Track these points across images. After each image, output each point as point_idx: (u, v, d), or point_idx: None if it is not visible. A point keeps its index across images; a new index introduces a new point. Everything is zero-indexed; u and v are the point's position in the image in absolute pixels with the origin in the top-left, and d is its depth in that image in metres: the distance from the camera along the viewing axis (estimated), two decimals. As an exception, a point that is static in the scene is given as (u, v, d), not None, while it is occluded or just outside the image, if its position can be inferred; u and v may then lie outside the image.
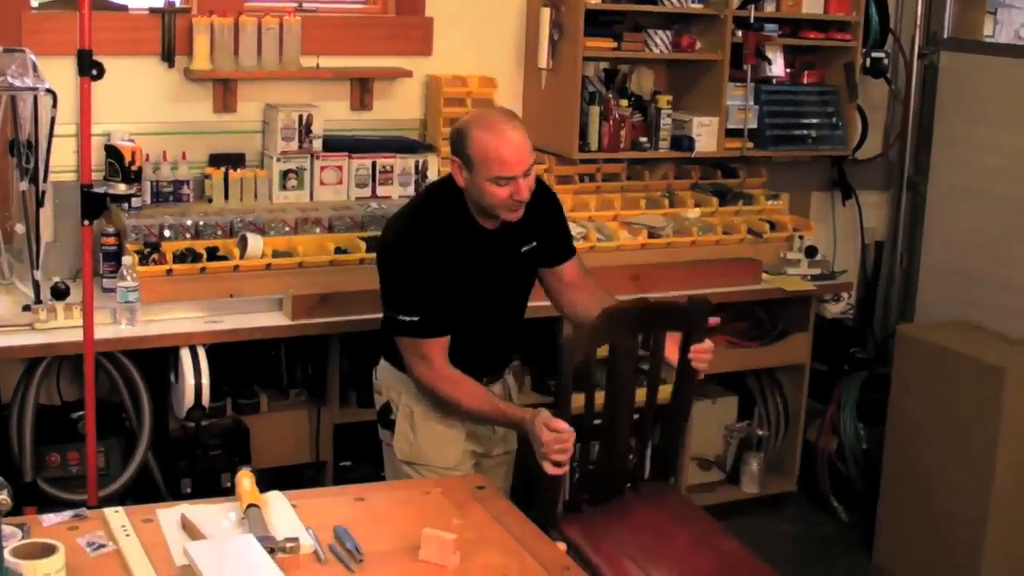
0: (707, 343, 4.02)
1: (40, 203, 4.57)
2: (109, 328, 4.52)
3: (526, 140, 3.78)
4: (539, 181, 4.09)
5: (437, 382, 3.88)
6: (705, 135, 5.81)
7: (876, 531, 5.65)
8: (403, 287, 3.87)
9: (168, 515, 3.16)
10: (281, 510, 3.19)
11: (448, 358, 3.91)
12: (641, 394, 4.15)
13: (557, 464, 3.67)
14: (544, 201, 4.08)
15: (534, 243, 4.04)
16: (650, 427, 4.16)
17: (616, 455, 4.04)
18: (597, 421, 4.04)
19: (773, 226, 5.93)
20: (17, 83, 4.40)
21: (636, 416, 4.15)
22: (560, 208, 4.23)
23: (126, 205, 4.90)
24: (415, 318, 3.83)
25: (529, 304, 4.24)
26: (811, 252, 5.87)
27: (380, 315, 4.16)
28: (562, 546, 3.17)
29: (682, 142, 5.79)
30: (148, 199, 5.04)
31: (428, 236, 3.84)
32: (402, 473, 4.06)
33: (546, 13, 5.60)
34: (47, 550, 2.78)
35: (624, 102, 5.70)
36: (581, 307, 4.18)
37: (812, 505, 6.16)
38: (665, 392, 4.19)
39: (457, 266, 3.86)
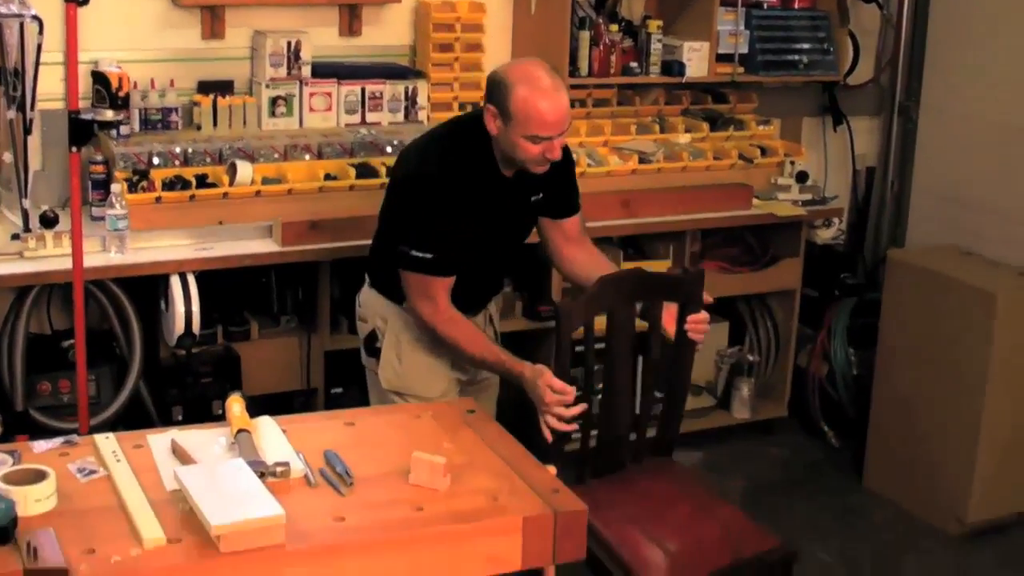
0: (702, 313, 4.01)
1: (28, 131, 4.53)
2: (98, 256, 4.51)
3: (567, 102, 3.77)
4: None
5: (441, 323, 3.88)
6: (696, 60, 5.77)
7: (866, 455, 5.68)
8: (420, 223, 3.83)
9: (159, 441, 3.16)
10: (271, 435, 3.19)
11: (452, 302, 3.92)
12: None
13: (567, 421, 3.71)
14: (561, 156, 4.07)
15: (541, 194, 4.03)
16: (651, 399, 4.13)
17: (617, 426, 4.03)
18: (598, 396, 4.05)
19: (764, 151, 5.91)
20: (3, 10, 4.35)
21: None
22: (573, 165, 4.25)
23: (114, 133, 4.88)
24: (428, 255, 3.80)
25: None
26: (802, 178, 5.86)
27: (369, 242, 4.16)
28: (552, 469, 3.17)
29: (672, 67, 5.76)
30: (136, 127, 5.01)
31: (451, 175, 3.82)
32: (387, 401, 4.06)
33: (535, -63, 5.57)
34: (38, 476, 2.79)
35: (614, 27, 5.66)
36: (578, 265, 4.19)
37: (803, 430, 6.19)
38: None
39: (472, 208, 3.84)
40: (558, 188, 4.09)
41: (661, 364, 4.09)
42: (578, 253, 4.21)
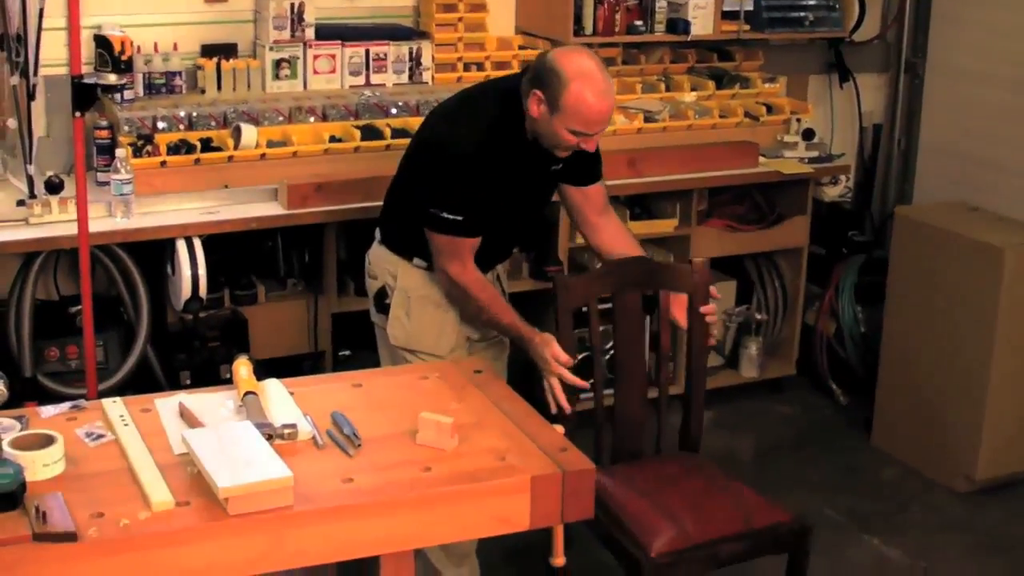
0: (711, 305, 4.05)
1: (31, 97, 4.54)
2: (104, 221, 4.51)
3: (614, 100, 3.81)
4: None
5: (470, 282, 3.91)
6: (701, 18, 5.75)
7: (875, 413, 5.68)
8: (453, 187, 3.83)
9: (166, 404, 3.16)
10: (279, 397, 3.19)
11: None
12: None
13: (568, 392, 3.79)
14: None
15: (561, 164, 4.00)
16: (664, 394, 4.12)
17: (631, 412, 4.03)
18: (608, 391, 4.04)
19: (770, 109, 5.89)
20: (4, -25, 4.36)
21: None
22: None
23: (118, 98, 4.87)
24: (459, 217, 3.81)
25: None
26: (808, 135, 5.84)
27: (376, 203, 4.15)
28: (560, 429, 3.17)
29: (678, 25, 5.73)
30: (140, 91, 5.00)
31: (483, 141, 3.81)
32: (398, 357, 4.07)
33: None
34: (46, 441, 2.80)
35: (619, -15, 5.65)
36: (606, 234, 4.21)
37: (811, 388, 6.19)
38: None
39: (500, 174, 3.84)
40: (582, 155, 4.04)
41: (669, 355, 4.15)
42: (606, 225, 4.22)
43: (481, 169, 3.80)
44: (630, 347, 4.05)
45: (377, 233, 4.14)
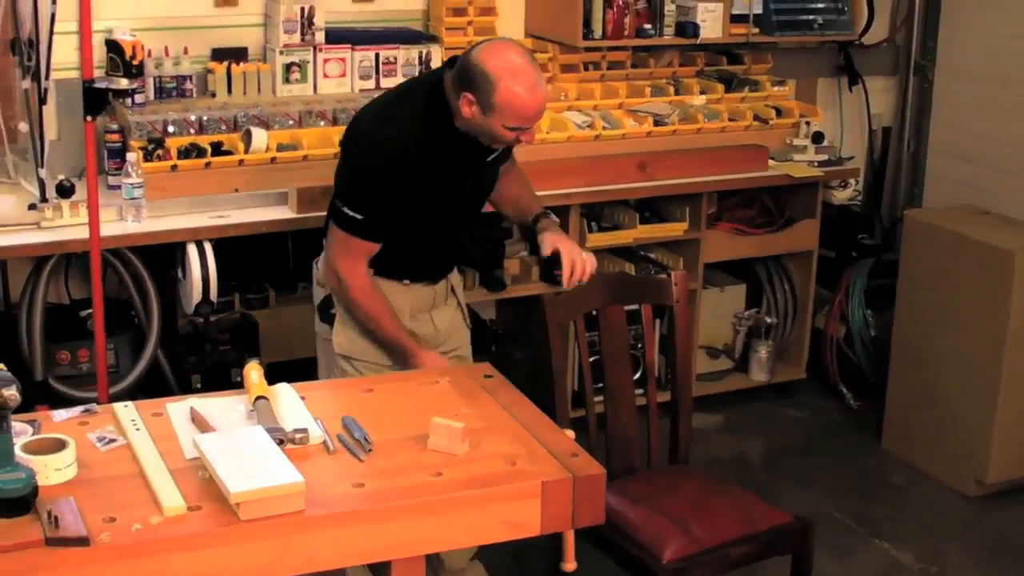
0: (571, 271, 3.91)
1: (43, 101, 4.56)
2: (115, 225, 4.51)
3: (546, 95, 3.74)
4: None
5: (356, 286, 3.83)
6: (710, 21, 5.75)
7: (885, 416, 5.67)
8: (360, 183, 3.77)
9: (177, 409, 3.16)
10: (290, 402, 3.19)
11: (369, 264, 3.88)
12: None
13: None
14: None
15: (497, 153, 3.93)
16: (653, 408, 4.10)
17: (623, 425, 4.02)
18: (599, 398, 4.02)
19: (779, 112, 5.89)
20: (16, -21, 4.37)
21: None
22: None
23: (129, 102, 4.88)
24: (359, 216, 3.75)
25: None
26: (818, 138, 5.84)
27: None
28: (570, 433, 3.16)
29: (687, 28, 5.73)
30: (151, 95, 5.01)
31: (404, 144, 3.71)
32: (336, 368, 3.99)
33: (548, -101, 5.54)
34: (58, 445, 2.80)
35: (628, -11, 5.64)
36: (498, 196, 4.17)
37: (821, 392, 6.19)
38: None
39: (424, 173, 3.75)
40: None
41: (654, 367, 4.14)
42: (504, 187, 4.16)
43: (397, 174, 3.71)
44: (616, 362, 4.02)
45: (324, 241, 4.03)
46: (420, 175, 3.73)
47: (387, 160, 3.71)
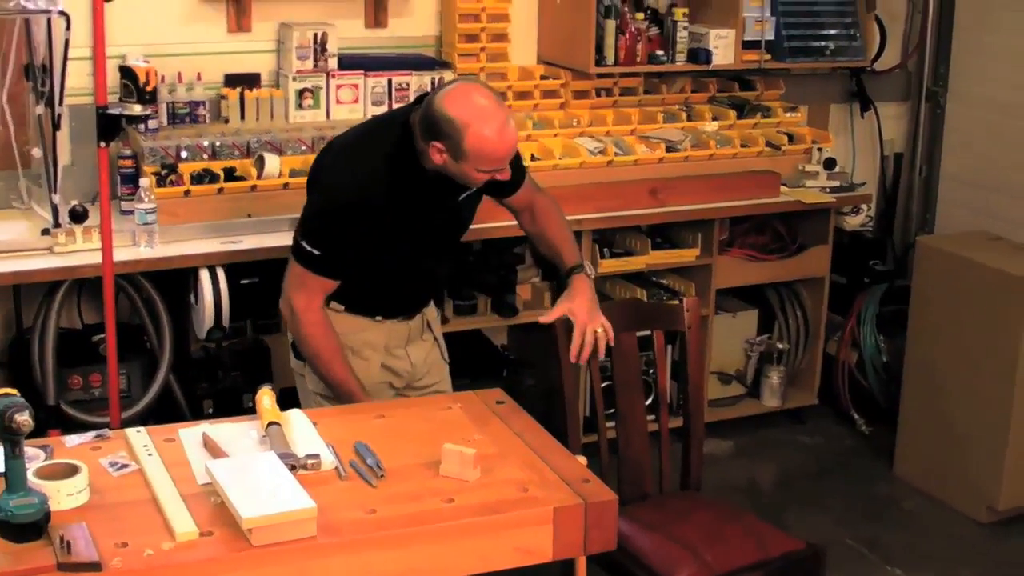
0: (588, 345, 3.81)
1: (56, 126, 4.57)
2: (128, 250, 4.52)
3: (515, 138, 3.63)
4: None
5: (309, 322, 3.76)
6: (722, 48, 5.75)
7: (897, 443, 5.65)
8: (320, 221, 3.73)
9: (190, 434, 3.17)
10: (302, 427, 3.19)
11: (324, 307, 3.82)
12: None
13: None
14: None
15: (472, 189, 3.82)
16: (665, 435, 4.08)
17: (635, 452, 4.00)
18: (610, 424, 4.02)
19: (791, 138, 5.89)
20: (30, 6, 4.38)
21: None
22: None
23: (142, 127, 4.89)
24: (316, 252, 3.69)
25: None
26: (830, 164, 5.84)
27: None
28: (582, 459, 3.16)
29: (699, 55, 5.74)
30: (164, 121, 5.02)
31: (368, 188, 3.66)
32: (314, 404, 3.92)
33: (560, -74, 5.56)
34: (70, 470, 2.80)
35: (640, 15, 5.65)
36: (536, 235, 4.11)
37: (833, 418, 6.17)
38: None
39: (391, 216, 3.69)
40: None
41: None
42: (534, 223, 4.09)
43: (360, 219, 3.65)
44: (629, 388, 4.02)
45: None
46: (385, 217, 3.68)
47: (349, 203, 3.66)
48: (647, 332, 4.12)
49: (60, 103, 4.53)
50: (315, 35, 5.19)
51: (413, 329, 4.01)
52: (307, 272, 3.73)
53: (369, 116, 5.28)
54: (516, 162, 3.89)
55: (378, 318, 3.91)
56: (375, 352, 3.91)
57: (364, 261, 3.76)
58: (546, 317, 3.80)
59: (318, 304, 3.77)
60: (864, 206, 6.12)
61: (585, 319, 3.77)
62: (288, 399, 3.57)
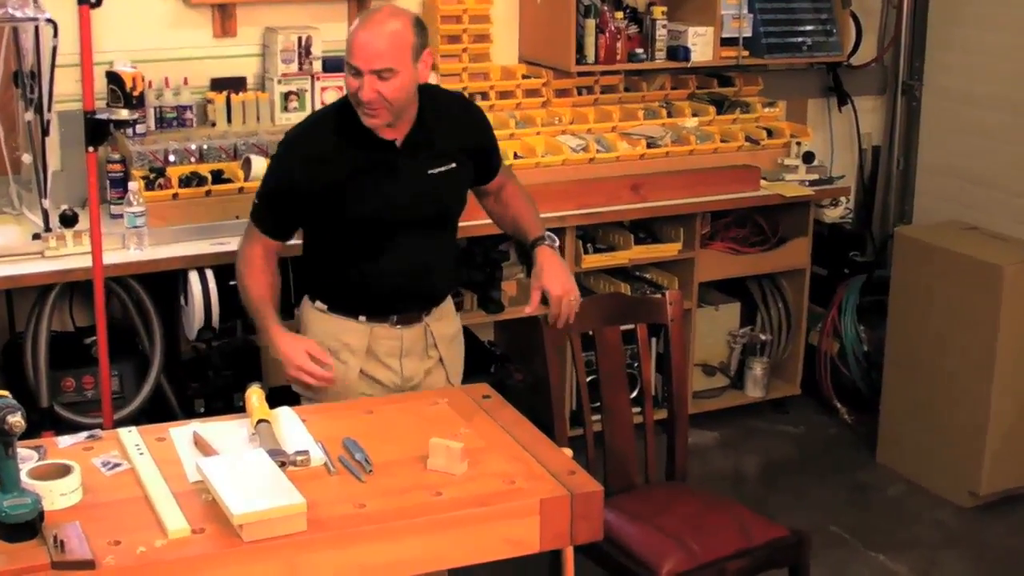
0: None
1: (45, 132, 4.55)
2: (118, 253, 4.51)
3: (388, 40, 3.50)
4: (461, 98, 4.02)
5: (243, 253, 3.78)
6: (700, 45, 5.75)
7: (879, 430, 5.67)
8: (270, 173, 3.77)
9: (180, 433, 3.17)
10: (291, 424, 3.20)
11: (271, 258, 3.79)
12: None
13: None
14: (465, 120, 3.87)
15: (453, 165, 3.75)
16: (650, 425, 4.08)
17: (621, 443, 4.01)
18: (596, 417, 4.02)
19: (770, 133, 5.90)
20: (18, 14, 4.37)
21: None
22: (488, 129, 3.98)
23: (131, 132, 4.88)
24: (256, 201, 3.75)
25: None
26: (809, 158, 5.84)
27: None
28: (568, 452, 3.17)
29: (678, 52, 5.74)
30: (152, 125, 5.02)
31: (318, 123, 3.73)
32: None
33: (540, -72, 5.55)
34: (63, 470, 2.81)
35: (619, 14, 5.64)
36: (505, 220, 4.05)
37: (816, 407, 6.18)
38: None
39: (342, 173, 3.62)
40: (474, 155, 3.86)
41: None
42: (499, 202, 4.04)
43: (306, 165, 3.62)
44: (613, 381, 4.02)
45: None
46: (335, 173, 3.62)
47: (296, 139, 3.70)
48: (631, 326, 4.12)
49: (49, 109, 4.52)
50: (299, 39, 5.19)
51: (409, 340, 3.84)
52: (250, 224, 3.78)
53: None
54: (495, 152, 3.94)
55: (361, 318, 3.79)
56: (354, 356, 3.79)
57: (325, 224, 3.71)
58: (529, 308, 3.73)
59: (256, 250, 3.76)
60: (843, 198, 6.12)
61: (560, 291, 3.73)
62: (277, 397, 3.56)
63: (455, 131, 3.79)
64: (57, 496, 2.75)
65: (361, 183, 3.64)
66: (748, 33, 5.89)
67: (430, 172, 3.72)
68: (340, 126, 3.66)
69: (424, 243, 3.79)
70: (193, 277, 4.59)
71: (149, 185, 4.69)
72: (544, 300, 3.75)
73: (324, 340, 3.76)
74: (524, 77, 5.69)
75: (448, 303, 3.98)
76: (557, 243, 3.89)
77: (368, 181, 3.65)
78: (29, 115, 4.60)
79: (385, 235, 3.72)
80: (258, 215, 3.74)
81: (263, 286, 3.75)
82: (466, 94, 5.50)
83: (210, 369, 4.92)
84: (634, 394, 4.61)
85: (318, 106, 5.21)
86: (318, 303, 3.84)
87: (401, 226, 3.73)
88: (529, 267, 5.34)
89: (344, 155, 3.64)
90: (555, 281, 3.74)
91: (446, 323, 3.96)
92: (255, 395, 3.23)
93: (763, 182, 5.69)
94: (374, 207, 3.66)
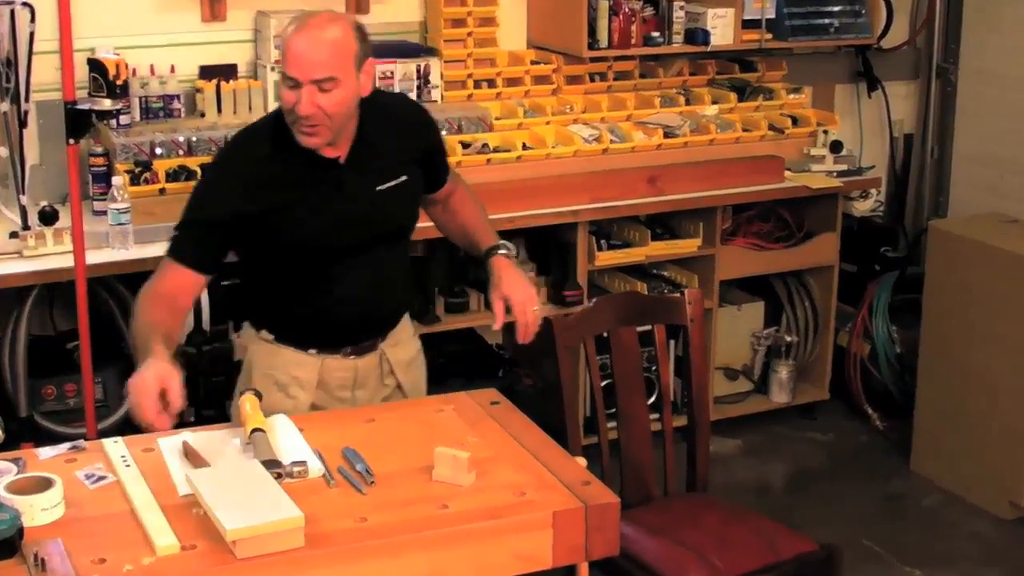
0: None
1: (23, 124, 4.56)
2: (101, 252, 4.52)
3: (329, 47, 3.33)
4: (403, 99, 3.92)
5: (152, 295, 3.43)
6: (721, 27, 5.75)
7: (914, 437, 5.66)
8: (202, 199, 3.54)
9: (169, 443, 3.17)
10: (287, 433, 3.19)
11: (187, 297, 3.51)
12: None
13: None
14: (410, 125, 3.71)
15: (403, 177, 3.60)
16: (669, 434, 4.07)
17: (638, 451, 4.00)
18: (612, 424, 4.00)
19: (795, 121, 5.89)
20: (-8, -2, 4.39)
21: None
22: (435, 130, 3.85)
23: (114, 123, 4.88)
24: (180, 234, 3.49)
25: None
26: (836, 147, 5.84)
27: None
28: (582, 461, 3.16)
29: (697, 35, 5.74)
30: (137, 116, 5.02)
31: (257, 159, 3.47)
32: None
33: (549, -97, 5.56)
34: (44, 484, 2.80)
35: (634, -5, 5.66)
36: (452, 228, 3.92)
37: (845, 413, 6.18)
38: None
39: (283, 192, 3.44)
40: (424, 164, 3.71)
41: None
42: (446, 210, 3.89)
43: (239, 191, 3.43)
44: (630, 386, 4.01)
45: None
46: (277, 197, 3.44)
47: (228, 166, 3.55)
48: (648, 327, 4.11)
49: (26, 99, 4.53)
50: (294, 23, 5.19)
51: (363, 369, 3.71)
52: (167, 261, 3.48)
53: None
54: (442, 155, 3.81)
55: (311, 351, 3.65)
56: (303, 391, 3.65)
57: (267, 251, 3.55)
58: (496, 323, 3.63)
59: (165, 289, 3.45)
60: (873, 190, 6.13)
61: (523, 299, 3.62)
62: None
63: (401, 139, 3.64)
64: (38, 511, 2.75)
65: (306, 207, 3.48)
66: (771, 14, 5.89)
67: (379, 188, 3.57)
68: (278, 143, 3.46)
69: (377, 266, 3.65)
70: (182, 277, 4.58)
71: (134, 180, 4.70)
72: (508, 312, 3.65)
73: (272, 373, 3.65)
74: (533, 63, 5.69)
75: (405, 323, 3.84)
76: (513, 251, 3.78)
77: (313, 204, 3.49)
78: (5, 105, 4.60)
79: (335, 261, 3.58)
80: (181, 248, 3.48)
81: (164, 324, 3.39)
82: (471, 81, 5.51)
83: (200, 375, 4.92)
84: (652, 399, 4.62)
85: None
86: (264, 332, 3.69)
87: (351, 250, 3.59)
88: (540, 264, 5.37)
89: (286, 176, 3.46)
90: (515, 290, 3.64)
91: (403, 348, 3.82)
92: (248, 402, 3.23)
93: (788, 173, 5.69)
94: (321, 232, 3.51)
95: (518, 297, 3.63)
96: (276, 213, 3.45)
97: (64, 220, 4.47)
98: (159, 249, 4.49)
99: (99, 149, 4.84)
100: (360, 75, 3.42)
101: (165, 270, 3.48)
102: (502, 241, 3.77)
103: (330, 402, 3.68)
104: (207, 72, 5.19)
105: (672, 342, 5.10)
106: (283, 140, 3.44)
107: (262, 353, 3.69)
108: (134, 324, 3.43)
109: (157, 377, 3.16)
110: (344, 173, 3.51)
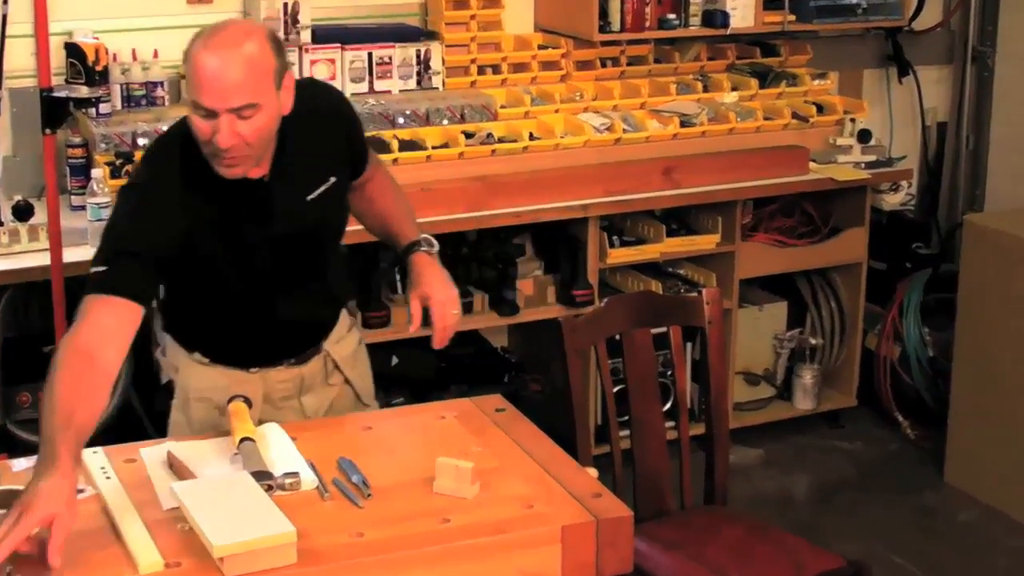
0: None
1: (-5, 113, 4.58)
2: (80, 250, 4.50)
3: (245, 68, 3.08)
4: (313, 87, 3.65)
5: (63, 355, 3.02)
6: (741, 9, 5.76)
7: (947, 446, 5.66)
8: (125, 230, 3.26)
9: (153, 454, 3.17)
10: (279, 443, 3.19)
11: (126, 337, 3.17)
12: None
13: None
14: (327, 116, 3.54)
15: (332, 179, 3.49)
16: (686, 445, 4.05)
17: (653, 461, 4.00)
18: (624, 433, 4.00)
19: (821, 109, 5.90)
20: (-38, -22, 4.39)
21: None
22: (354, 119, 3.67)
23: (93, 112, 4.88)
24: (107, 268, 3.17)
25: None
26: (864, 137, 5.84)
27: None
28: (593, 472, 3.16)
29: (715, 18, 5.74)
30: (118, 104, 5.03)
31: (180, 180, 3.26)
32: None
33: None
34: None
35: (649, -25, 5.66)
36: (362, 200, 3.77)
37: (874, 420, 6.18)
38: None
39: (215, 223, 3.30)
40: (347, 152, 3.59)
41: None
42: (363, 196, 3.75)
43: (155, 210, 3.23)
44: (643, 391, 4.00)
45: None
46: (202, 222, 3.28)
47: (150, 190, 3.29)
48: (663, 329, 4.11)
49: None
50: (285, 4, 5.20)
51: (309, 376, 3.66)
52: (94, 299, 3.15)
53: (348, 95, 5.26)
54: (362, 144, 3.69)
55: (253, 370, 3.57)
56: (254, 407, 3.52)
57: (197, 277, 3.42)
58: (412, 326, 3.53)
59: (82, 331, 3.10)
60: (904, 183, 6.12)
61: (442, 299, 3.54)
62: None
63: (324, 140, 3.50)
64: (12, 526, 2.75)
65: (237, 231, 3.36)
66: (795, -6, 5.90)
67: (309, 199, 3.45)
68: (194, 167, 3.26)
69: (317, 274, 3.60)
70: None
71: (115, 172, 4.70)
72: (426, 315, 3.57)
73: (211, 395, 3.55)
74: (540, 48, 5.69)
75: (343, 317, 3.78)
76: (436, 248, 3.69)
77: (245, 228, 3.36)
78: (-24, 93, 4.62)
79: (271, 279, 3.48)
80: (114, 280, 3.16)
81: (80, 413, 2.90)
82: (474, 67, 5.51)
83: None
84: (667, 406, 4.61)
85: (306, 81, 5.20)
86: (197, 356, 3.61)
87: (289, 265, 3.50)
88: (549, 262, 5.37)
89: (211, 203, 3.29)
90: (435, 289, 3.56)
91: (345, 343, 3.76)
92: (239, 410, 3.23)
93: (812, 165, 5.69)
94: (256, 255, 3.41)
95: (438, 297, 3.55)
96: (207, 240, 3.31)
97: (40, 216, 4.48)
98: (142, 246, 4.54)
99: (77, 140, 4.85)
100: (280, 93, 3.20)
101: (94, 309, 3.12)
102: (424, 235, 3.69)
103: (275, 415, 3.54)
104: (193, 57, 5.19)
105: (689, 345, 5.12)
106: (199, 164, 3.25)
107: (198, 377, 3.61)
108: (45, 399, 2.93)
109: (55, 509, 2.66)
110: (271, 190, 3.36)
